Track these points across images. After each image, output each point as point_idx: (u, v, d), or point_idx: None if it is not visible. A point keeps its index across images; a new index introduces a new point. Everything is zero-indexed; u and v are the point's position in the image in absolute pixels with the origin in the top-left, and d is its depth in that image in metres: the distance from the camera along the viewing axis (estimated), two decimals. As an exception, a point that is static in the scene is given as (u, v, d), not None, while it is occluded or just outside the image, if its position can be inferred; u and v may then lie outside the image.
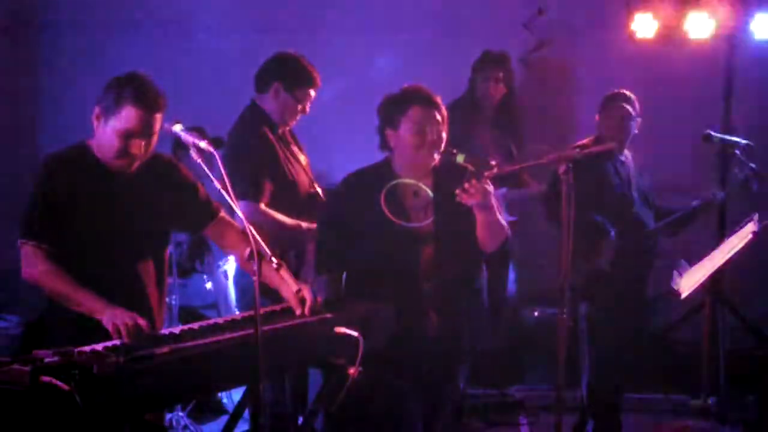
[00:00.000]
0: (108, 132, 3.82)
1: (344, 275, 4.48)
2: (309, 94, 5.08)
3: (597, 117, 5.77)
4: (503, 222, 4.41)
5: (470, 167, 4.26)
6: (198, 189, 4.17)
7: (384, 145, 4.48)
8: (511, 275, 6.87)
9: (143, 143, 3.84)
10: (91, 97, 3.96)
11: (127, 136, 3.81)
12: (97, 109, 3.86)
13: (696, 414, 5.46)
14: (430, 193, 4.43)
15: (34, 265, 3.81)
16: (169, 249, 4.37)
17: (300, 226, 4.94)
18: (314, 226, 4.92)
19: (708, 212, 5.68)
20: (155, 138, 3.90)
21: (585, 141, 5.65)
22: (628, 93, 5.73)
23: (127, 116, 3.78)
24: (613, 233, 5.55)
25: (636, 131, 5.72)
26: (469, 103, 6.61)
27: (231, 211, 4.14)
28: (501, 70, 6.66)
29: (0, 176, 7.11)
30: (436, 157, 4.37)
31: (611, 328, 5.64)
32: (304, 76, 5.06)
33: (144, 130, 3.81)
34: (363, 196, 4.41)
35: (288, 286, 3.97)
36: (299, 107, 5.06)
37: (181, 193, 4.12)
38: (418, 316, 4.34)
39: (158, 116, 3.84)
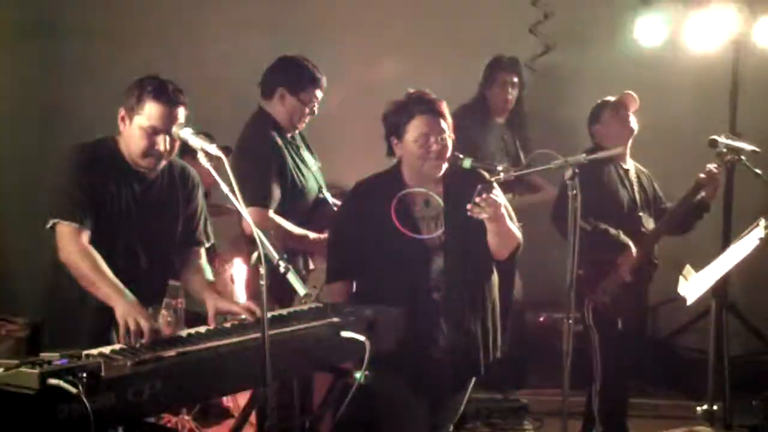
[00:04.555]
0: (134, 130, 3.96)
1: (354, 282, 4.49)
2: (315, 96, 5.08)
3: (595, 127, 5.78)
4: (514, 229, 4.41)
5: (485, 175, 4.26)
6: (200, 218, 4.28)
7: (391, 152, 4.48)
8: (517, 279, 6.86)
9: (168, 139, 3.96)
10: (98, 106, 4.03)
11: (151, 132, 3.93)
12: (121, 111, 4.00)
13: (701, 419, 5.45)
14: (441, 202, 4.42)
15: (70, 245, 3.87)
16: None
17: (307, 237, 4.94)
18: (321, 236, 4.92)
19: (706, 189, 5.66)
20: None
21: (583, 154, 5.67)
22: (614, 98, 5.75)
23: (149, 112, 3.92)
24: (630, 243, 5.56)
25: (635, 131, 5.73)
26: (479, 108, 6.59)
27: (240, 216, 4.15)
28: (516, 75, 6.66)
29: (10, 185, 7.13)
30: (444, 166, 4.36)
31: (621, 335, 5.66)
32: (307, 79, 5.06)
33: (167, 125, 3.93)
34: (373, 206, 4.40)
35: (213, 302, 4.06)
36: (306, 109, 5.07)
37: (186, 214, 4.22)
38: (429, 326, 4.33)
39: (181, 111, 3.96)
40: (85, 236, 3.89)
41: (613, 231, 5.56)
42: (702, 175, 5.60)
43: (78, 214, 3.89)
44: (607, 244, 5.56)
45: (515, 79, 6.64)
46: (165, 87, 3.95)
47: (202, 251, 4.33)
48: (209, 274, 4.30)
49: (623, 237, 5.58)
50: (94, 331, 3.85)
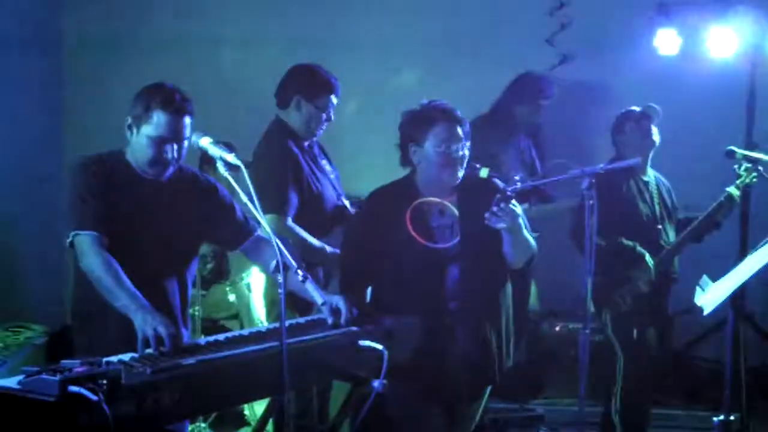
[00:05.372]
0: (141, 139, 3.97)
1: (369, 291, 4.49)
2: (331, 101, 5.10)
3: (617, 137, 5.79)
4: (530, 239, 4.41)
5: (500, 185, 4.27)
6: (235, 210, 4.26)
7: (405, 161, 4.49)
8: (532, 289, 6.86)
9: (175, 147, 3.98)
10: (116, 113, 4.06)
11: (159, 141, 3.94)
12: (128, 120, 4.00)
13: (718, 430, 5.43)
14: (456, 212, 4.43)
15: (89, 254, 3.86)
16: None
17: (324, 250, 4.95)
18: (338, 251, 4.93)
19: (726, 212, 5.65)
20: (186, 143, 4.00)
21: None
22: (638, 109, 5.75)
23: (157, 121, 3.93)
24: (648, 256, 5.56)
25: (656, 145, 5.73)
26: (502, 120, 6.55)
27: (259, 225, 4.17)
28: (548, 99, 6.61)
29: (28, 192, 7.17)
30: (461, 174, 4.37)
31: (642, 344, 5.67)
32: (322, 85, 5.08)
33: (175, 134, 3.95)
34: (388, 215, 4.41)
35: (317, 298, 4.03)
36: (323, 116, 5.09)
37: (217, 214, 4.22)
38: (446, 335, 4.34)
39: (187, 120, 3.98)
40: (104, 244, 3.88)
41: (628, 243, 5.56)
42: (723, 198, 5.59)
43: (95, 223, 3.89)
44: (623, 256, 5.56)
45: (547, 103, 6.62)
46: (172, 96, 3.95)
47: (262, 234, 4.26)
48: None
49: (639, 249, 5.58)
50: (119, 339, 3.84)
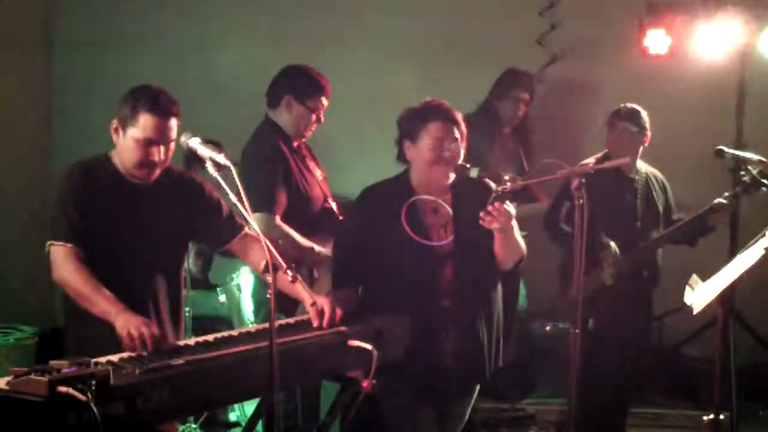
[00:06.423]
0: (127, 142, 3.94)
1: (360, 289, 4.49)
2: (321, 103, 5.12)
3: (607, 134, 5.80)
4: (520, 240, 4.42)
5: (491, 185, 4.27)
6: (222, 208, 4.24)
7: (401, 157, 4.49)
8: (521, 289, 6.87)
9: (162, 150, 3.95)
10: (106, 115, 4.05)
11: (146, 143, 3.92)
12: (115, 122, 3.98)
13: (708, 429, 5.45)
14: (450, 211, 4.43)
15: (63, 265, 3.87)
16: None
17: (312, 249, 4.95)
18: (326, 250, 4.93)
19: (717, 216, 5.66)
20: (173, 145, 3.99)
21: (592, 159, 5.68)
22: (633, 108, 5.74)
23: (144, 124, 3.90)
24: (613, 245, 5.56)
25: (645, 145, 5.74)
26: (487, 118, 6.60)
27: (247, 224, 4.17)
28: (530, 92, 6.66)
29: (17, 193, 7.16)
30: (452, 175, 4.37)
31: (610, 343, 5.64)
32: (314, 86, 5.10)
33: (161, 136, 3.93)
34: (382, 212, 4.40)
35: (306, 298, 4.02)
36: (313, 117, 5.10)
37: (204, 213, 4.20)
38: (438, 333, 4.34)
39: (174, 122, 3.95)
40: (79, 256, 3.86)
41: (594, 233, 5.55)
42: (717, 202, 5.59)
43: (70, 234, 3.88)
44: (589, 245, 5.54)
45: (528, 96, 6.65)
46: (158, 98, 3.92)
47: (250, 232, 4.25)
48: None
49: (604, 238, 5.57)
50: (109, 340, 3.83)
